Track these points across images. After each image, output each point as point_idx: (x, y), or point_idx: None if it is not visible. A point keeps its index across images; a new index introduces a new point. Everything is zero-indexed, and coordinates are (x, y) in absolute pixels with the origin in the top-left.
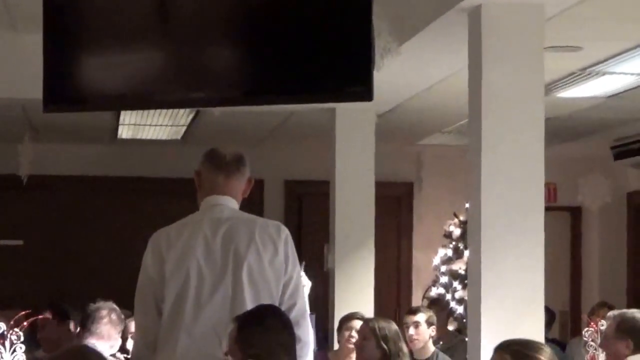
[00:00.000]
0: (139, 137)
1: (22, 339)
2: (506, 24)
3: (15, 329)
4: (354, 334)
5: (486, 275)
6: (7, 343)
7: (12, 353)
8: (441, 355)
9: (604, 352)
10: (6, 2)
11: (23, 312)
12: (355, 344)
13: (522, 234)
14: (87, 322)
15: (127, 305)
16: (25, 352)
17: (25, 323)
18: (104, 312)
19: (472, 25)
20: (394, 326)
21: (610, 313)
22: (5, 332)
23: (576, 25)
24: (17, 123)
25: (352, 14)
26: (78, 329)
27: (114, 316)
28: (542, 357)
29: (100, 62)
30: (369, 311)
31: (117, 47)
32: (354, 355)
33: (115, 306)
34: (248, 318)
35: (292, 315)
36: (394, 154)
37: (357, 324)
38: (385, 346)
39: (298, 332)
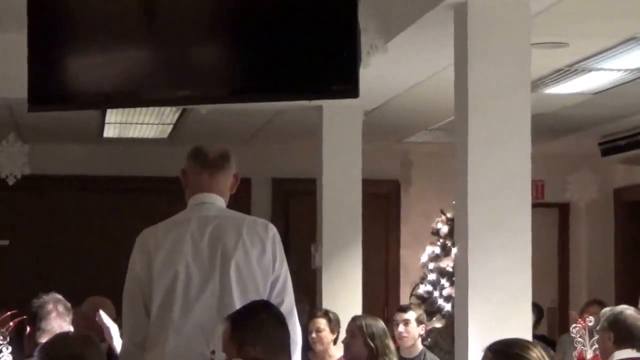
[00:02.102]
0: (125, 136)
1: (8, 339)
2: (492, 20)
3: (1, 330)
4: (315, 335)
5: (473, 272)
6: None
7: None
8: (429, 354)
9: (592, 348)
10: None
11: (9, 313)
12: (342, 342)
13: (509, 231)
14: (36, 321)
15: (116, 305)
16: (12, 352)
17: (11, 323)
18: (50, 307)
19: (458, 22)
20: (381, 324)
21: (605, 310)
22: None
23: (562, 22)
24: (3, 123)
25: (338, 11)
26: (27, 329)
27: (60, 308)
28: (526, 356)
29: (85, 60)
30: (357, 309)
31: (102, 45)
32: (333, 353)
33: (59, 296)
34: (242, 315)
35: None
36: (381, 152)
37: (319, 322)
38: (372, 344)
39: None
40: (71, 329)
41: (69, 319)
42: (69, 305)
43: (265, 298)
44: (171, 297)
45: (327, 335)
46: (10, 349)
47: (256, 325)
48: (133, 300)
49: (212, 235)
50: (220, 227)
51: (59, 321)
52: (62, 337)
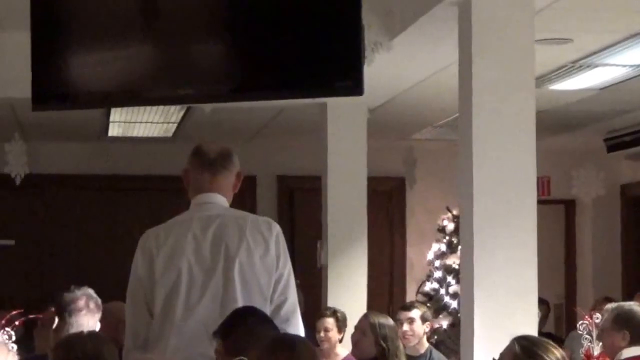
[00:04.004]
0: (129, 134)
1: (14, 338)
2: (496, 16)
3: (7, 329)
4: (322, 334)
5: (479, 269)
6: None
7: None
8: (435, 352)
9: (600, 344)
10: None
11: (15, 312)
12: (352, 337)
13: (514, 228)
14: (64, 314)
15: None
16: (18, 351)
17: (17, 322)
18: (82, 303)
19: (462, 19)
20: (392, 323)
21: (608, 306)
22: None
23: (567, 17)
24: (6, 122)
25: (342, 8)
26: (56, 321)
27: (92, 305)
28: (547, 358)
29: (88, 59)
30: (362, 307)
31: (105, 44)
32: (339, 351)
33: (91, 292)
34: (228, 326)
35: (283, 312)
36: (386, 149)
37: (327, 322)
38: (384, 345)
39: (288, 328)
40: (98, 326)
41: (97, 315)
42: (99, 302)
43: (268, 297)
44: (173, 298)
45: (334, 335)
46: (15, 347)
47: (246, 331)
48: (135, 301)
49: (215, 235)
50: (222, 226)
51: (87, 317)
52: (77, 336)
